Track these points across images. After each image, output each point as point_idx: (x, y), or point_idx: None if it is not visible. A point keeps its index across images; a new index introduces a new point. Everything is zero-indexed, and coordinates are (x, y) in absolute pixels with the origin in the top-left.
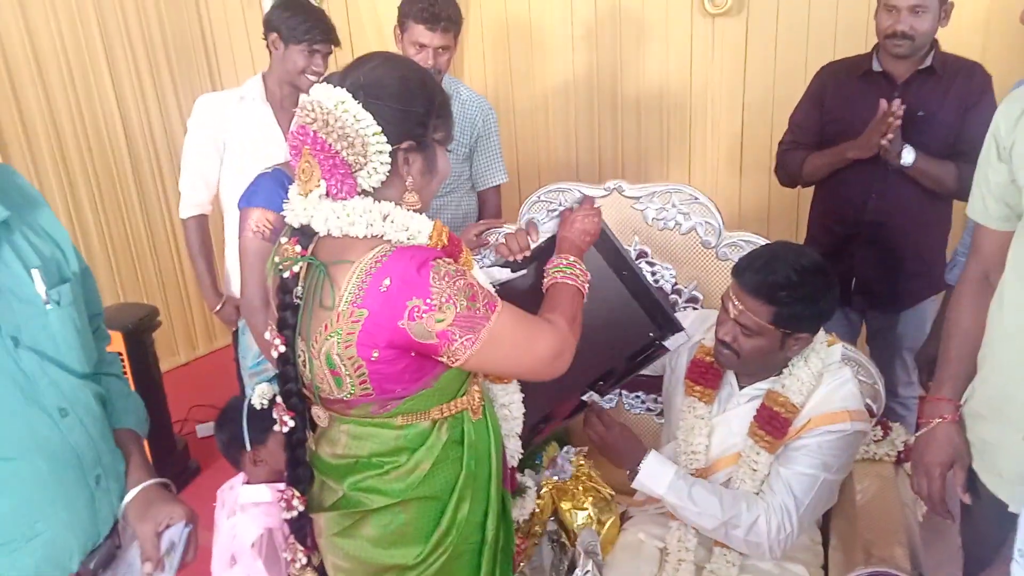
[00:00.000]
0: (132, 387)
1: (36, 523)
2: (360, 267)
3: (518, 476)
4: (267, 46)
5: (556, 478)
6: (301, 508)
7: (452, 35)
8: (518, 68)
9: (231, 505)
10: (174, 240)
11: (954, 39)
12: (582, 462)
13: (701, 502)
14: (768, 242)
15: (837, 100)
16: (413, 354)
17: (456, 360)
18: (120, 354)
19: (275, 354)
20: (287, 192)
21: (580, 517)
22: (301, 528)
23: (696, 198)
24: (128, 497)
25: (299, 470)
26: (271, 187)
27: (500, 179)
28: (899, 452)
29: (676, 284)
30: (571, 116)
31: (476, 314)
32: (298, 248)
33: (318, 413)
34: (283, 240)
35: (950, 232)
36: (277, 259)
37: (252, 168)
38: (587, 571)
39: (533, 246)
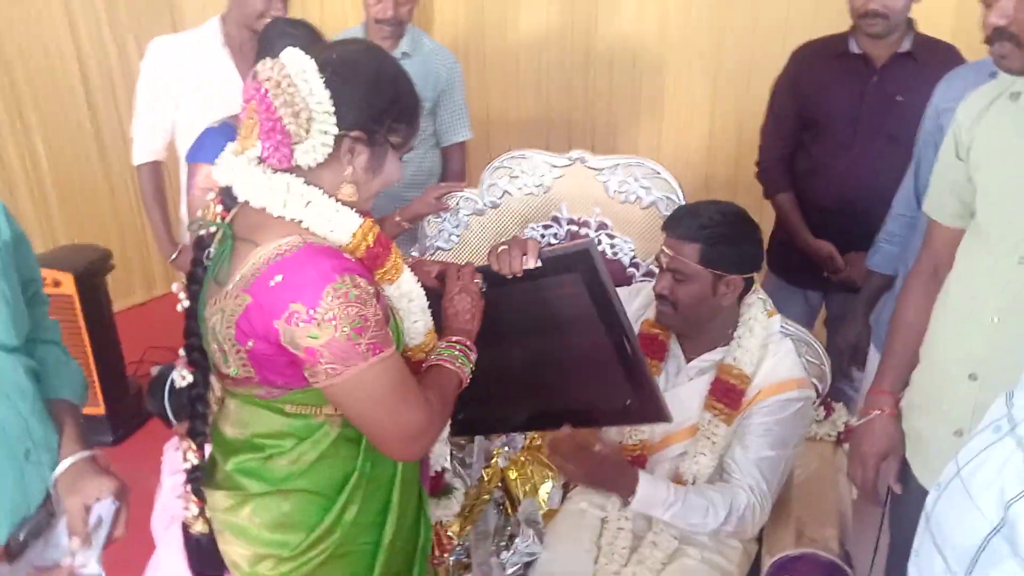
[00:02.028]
0: (83, 330)
1: None
2: (262, 254)
3: (447, 476)
4: None
5: (506, 448)
6: (196, 461)
7: None
8: (491, 19)
9: (173, 464)
10: (132, 182)
11: (924, 18)
12: (534, 435)
13: (697, 511)
14: None
15: (813, 85)
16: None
17: (315, 382)
18: (71, 295)
19: (180, 308)
20: None
21: (543, 491)
22: (196, 480)
23: (658, 172)
24: (59, 470)
25: (196, 423)
26: (218, 142)
27: (464, 135)
28: (839, 433)
29: (634, 258)
30: (543, 73)
31: (354, 349)
32: (219, 209)
33: (213, 381)
34: (210, 196)
35: None
36: (200, 214)
37: (208, 116)
38: (528, 540)
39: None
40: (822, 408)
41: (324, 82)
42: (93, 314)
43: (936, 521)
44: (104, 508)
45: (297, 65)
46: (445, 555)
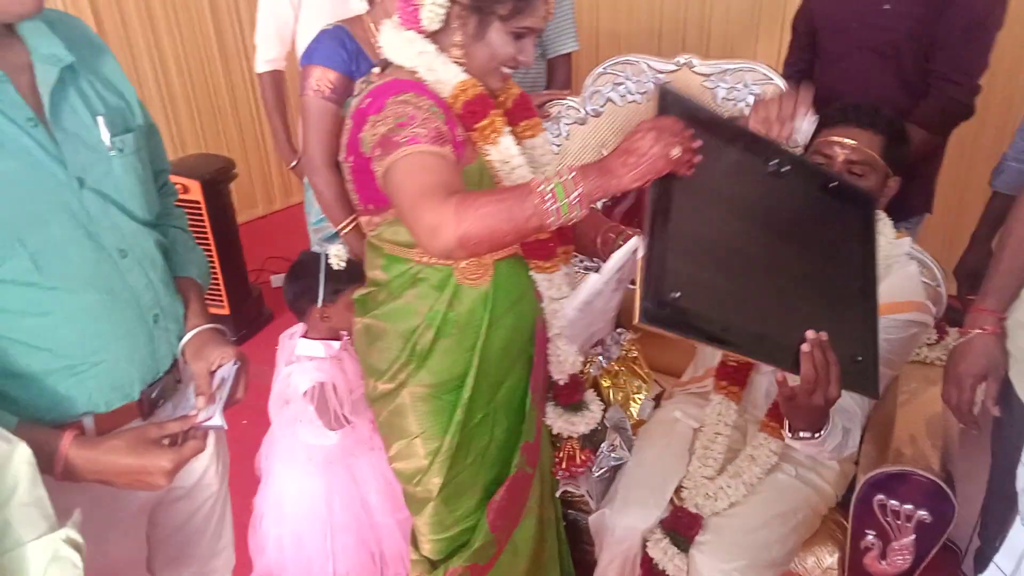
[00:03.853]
0: (210, 235)
1: (101, 351)
2: (370, 85)
3: (586, 395)
4: None
5: (601, 358)
6: None
7: None
8: None
9: (288, 354)
10: (253, 94)
11: None
12: (631, 347)
13: (837, 435)
14: None
15: None
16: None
17: (377, 176)
18: (199, 202)
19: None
20: (347, 51)
21: (634, 404)
22: None
23: (771, 79)
24: (185, 338)
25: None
26: (331, 45)
27: (571, 47)
28: None
29: None
30: None
31: (394, 138)
32: (376, 70)
33: None
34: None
35: (944, 154)
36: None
37: (327, 25)
38: (614, 444)
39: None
40: (934, 331)
41: None
42: (219, 220)
43: None
44: (227, 371)
45: None
46: (576, 471)
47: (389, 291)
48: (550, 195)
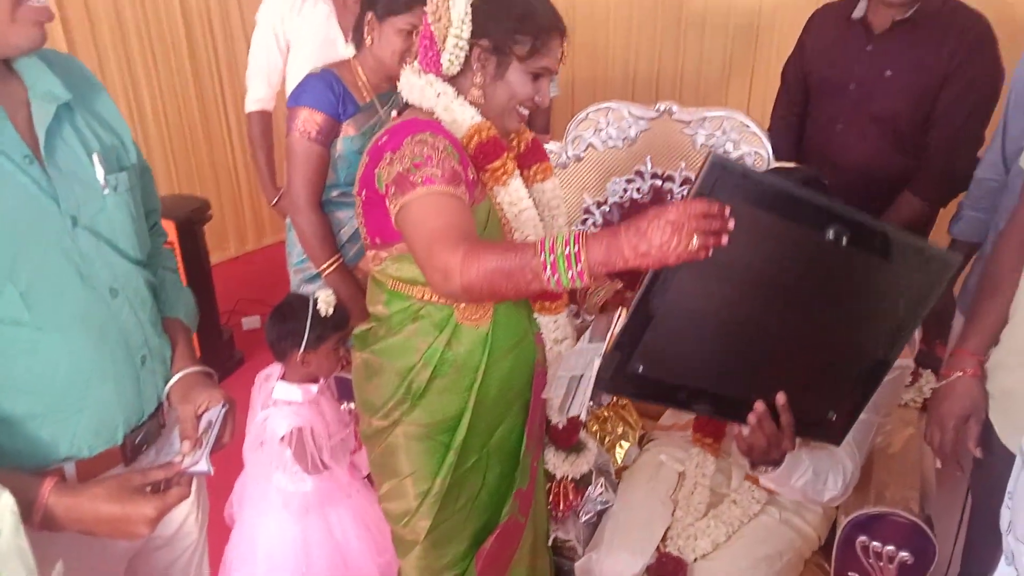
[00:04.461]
0: (183, 277)
1: (87, 394)
2: (389, 124)
3: (581, 434)
4: None
5: (591, 403)
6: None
7: None
8: None
9: (265, 396)
10: (228, 134)
11: None
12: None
13: (821, 478)
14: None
15: (816, 50)
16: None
17: (392, 214)
18: (171, 243)
19: None
20: (335, 94)
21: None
22: None
23: (747, 126)
24: (172, 380)
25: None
26: (319, 88)
27: (552, 92)
28: (925, 399)
29: None
30: (633, 31)
31: (410, 178)
32: (394, 113)
33: None
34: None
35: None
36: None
37: (313, 67)
38: (600, 489)
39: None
40: (908, 374)
41: (470, 1)
42: (192, 262)
43: None
44: (213, 414)
45: None
46: (567, 511)
47: (389, 327)
48: (551, 266)
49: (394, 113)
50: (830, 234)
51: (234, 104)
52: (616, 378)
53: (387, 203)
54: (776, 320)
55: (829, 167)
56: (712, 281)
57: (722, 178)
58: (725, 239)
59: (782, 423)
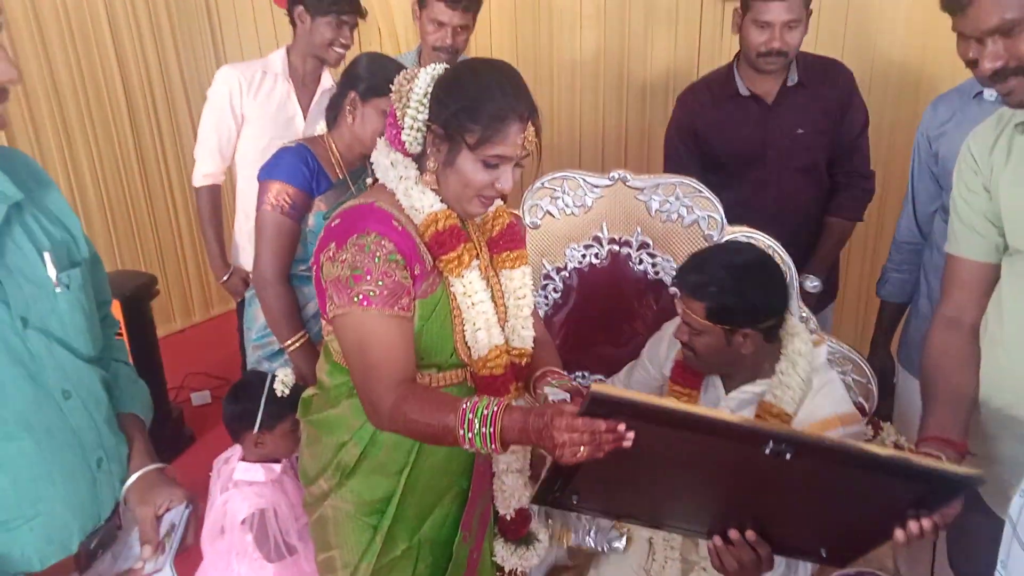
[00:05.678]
0: (129, 354)
1: (37, 502)
2: (351, 201)
3: (532, 524)
4: (292, 20)
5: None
6: None
7: (472, 15)
8: (525, 44)
9: (225, 479)
10: (173, 207)
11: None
12: None
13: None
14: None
15: (711, 130)
16: None
17: (328, 314)
18: (118, 321)
19: None
20: (309, 168)
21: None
22: None
23: (700, 191)
24: (129, 481)
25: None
26: (293, 162)
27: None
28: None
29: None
30: (576, 97)
31: (348, 292)
32: (370, 181)
33: None
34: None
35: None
36: None
37: (269, 143)
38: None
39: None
40: (869, 427)
41: (431, 83)
42: (138, 339)
43: None
44: (175, 515)
45: (428, 71)
46: None
47: (328, 398)
48: (468, 441)
49: (369, 180)
50: (766, 450)
51: (179, 176)
52: (554, 501)
53: (326, 297)
54: (725, 492)
55: (776, 224)
56: (642, 457)
57: (608, 409)
58: (628, 443)
59: (760, 554)
